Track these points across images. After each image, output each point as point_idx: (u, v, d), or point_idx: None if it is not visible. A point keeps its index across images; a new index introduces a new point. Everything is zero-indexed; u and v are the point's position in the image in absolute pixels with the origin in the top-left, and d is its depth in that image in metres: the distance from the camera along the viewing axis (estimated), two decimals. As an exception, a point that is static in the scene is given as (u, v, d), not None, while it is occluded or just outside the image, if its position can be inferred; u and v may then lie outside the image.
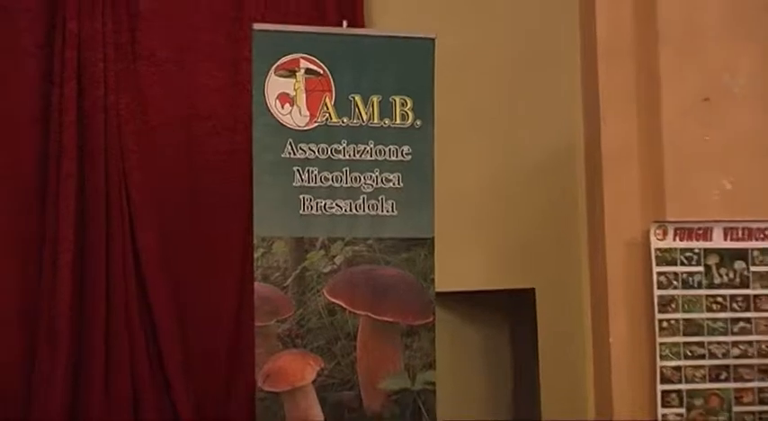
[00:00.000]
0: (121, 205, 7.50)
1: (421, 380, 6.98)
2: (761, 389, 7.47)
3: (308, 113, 6.86)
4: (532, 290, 8.12)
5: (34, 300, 7.35)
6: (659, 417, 7.35)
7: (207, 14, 7.77)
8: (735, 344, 7.49)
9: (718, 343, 7.47)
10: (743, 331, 7.51)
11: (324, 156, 6.89)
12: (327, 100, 6.91)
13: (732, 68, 7.66)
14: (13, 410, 7.37)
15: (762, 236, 7.59)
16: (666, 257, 7.49)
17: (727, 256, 7.54)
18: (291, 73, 6.83)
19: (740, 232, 7.59)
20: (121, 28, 7.59)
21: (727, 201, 7.57)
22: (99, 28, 7.48)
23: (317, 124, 6.86)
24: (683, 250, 7.51)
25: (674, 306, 7.44)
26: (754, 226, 7.55)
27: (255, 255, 6.73)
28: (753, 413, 7.47)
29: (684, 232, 7.50)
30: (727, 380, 7.46)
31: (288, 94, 6.84)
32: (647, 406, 7.42)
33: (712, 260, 7.51)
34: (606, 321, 7.67)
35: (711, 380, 7.46)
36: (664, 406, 7.35)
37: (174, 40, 7.73)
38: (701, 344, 7.45)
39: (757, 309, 7.53)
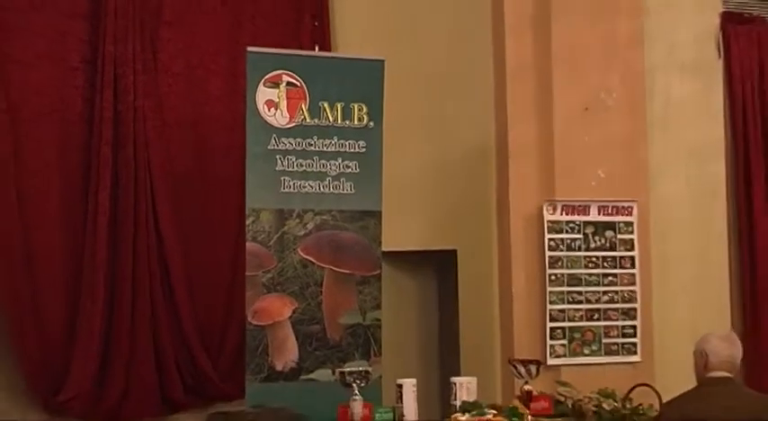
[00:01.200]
0: (146, 183, 7.57)
1: (370, 317, 7.24)
2: (623, 327, 7.82)
3: (287, 115, 7.05)
4: (455, 251, 8.27)
5: (78, 253, 7.48)
6: (548, 347, 7.63)
7: (212, 39, 7.87)
8: (605, 292, 7.80)
9: (593, 292, 7.77)
10: (611, 283, 7.82)
11: (300, 148, 7.10)
12: (303, 105, 7.09)
13: (606, 87, 7.89)
14: (62, 329, 7.49)
15: (626, 212, 7.88)
16: (555, 227, 7.75)
17: (600, 227, 7.82)
18: (276, 85, 7.01)
19: (610, 209, 7.87)
20: (146, 49, 7.64)
21: (601, 186, 7.87)
22: (130, 49, 7.55)
23: (294, 124, 7.06)
24: (567, 222, 7.78)
25: (560, 264, 7.72)
26: (620, 205, 7.85)
27: (247, 222, 6.94)
28: (617, 344, 7.80)
29: (569, 208, 7.77)
30: (598, 319, 7.76)
31: (273, 101, 7.02)
32: (539, 338, 7.69)
33: (589, 230, 7.82)
34: (510, 274, 7.90)
35: (587, 320, 7.76)
36: (551, 338, 7.65)
37: (186, 58, 7.81)
38: (579, 293, 7.76)
39: (622, 267, 7.84)
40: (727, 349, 5.86)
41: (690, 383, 6.15)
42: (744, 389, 5.86)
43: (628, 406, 6.66)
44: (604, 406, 6.75)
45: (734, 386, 5.79)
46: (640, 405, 6.65)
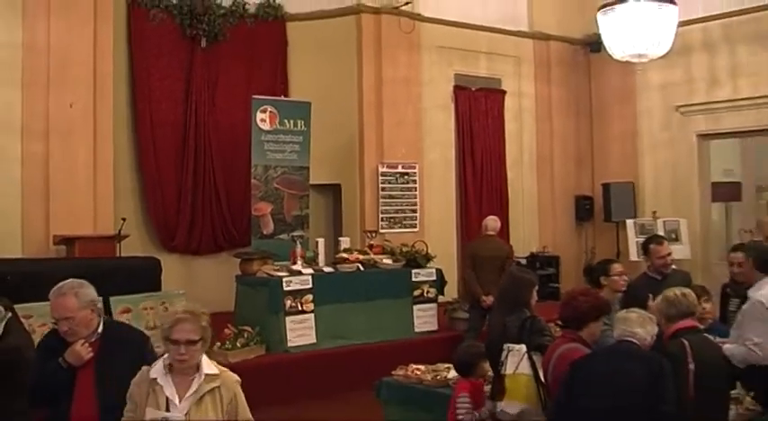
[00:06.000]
0: (209, 154, 8.12)
1: (305, 212, 7.91)
2: (411, 216, 8.40)
3: (269, 124, 7.81)
4: (340, 184, 8.79)
5: (186, 185, 8.00)
6: (380, 224, 8.16)
7: (237, 92, 8.27)
8: (403, 202, 8.42)
9: (399, 201, 8.40)
10: (407, 198, 8.51)
11: (274, 139, 7.87)
12: (276, 121, 7.85)
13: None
14: (174, 217, 8.26)
15: (413, 167, 8.57)
16: (384, 174, 8.52)
17: (402, 174, 8.63)
18: (265, 111, 7.77)
19: (407, 166, 8.65)
20: (210, 96, 8.25)
21: (403, 156, 8.54)
22: (203, 96, 8.22)
23: (273, 128, 7.84)
24: (389, 172, 8.48)
25: (385, 190, 8.52)
26: (411, 164, 8.57)
27: (252, 171, 7.79)
28: (409, 223, 8.37)
29: (389, 166, 8.52)
30: (401, 213, 8.38)
31: (264, 119, 7.77)
32: (376, 221, 8.12)
33: (398, 175, 8.55)
34: (364, 196, 8.40)
35: (396, 213, 8.28)
36: (381, 222, 8.31)
37: (226, 100, 8.38)
38: (394, 201, 8.44)
39: (410, 191, 8.42)
40: (493, 223, 6.82)
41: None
42: (498, 239, 6.71)
43: (413, 249, 7.21)
44: (404, 249, 7.21)
45: (494, 238, 6.81)
46: (419, 249, 7.23)
